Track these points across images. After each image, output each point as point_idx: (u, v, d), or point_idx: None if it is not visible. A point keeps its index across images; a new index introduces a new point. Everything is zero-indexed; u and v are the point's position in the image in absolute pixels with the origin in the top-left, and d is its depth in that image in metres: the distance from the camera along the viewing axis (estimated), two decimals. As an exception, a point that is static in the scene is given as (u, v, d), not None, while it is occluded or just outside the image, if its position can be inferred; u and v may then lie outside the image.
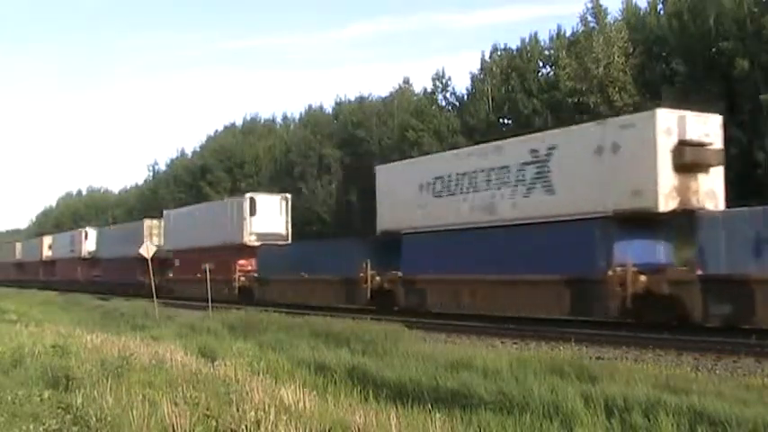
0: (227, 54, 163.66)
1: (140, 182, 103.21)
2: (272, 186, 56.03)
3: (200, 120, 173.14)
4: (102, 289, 47.88)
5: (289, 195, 37.19)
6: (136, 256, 41.03)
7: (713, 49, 36.92)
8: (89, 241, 56.73)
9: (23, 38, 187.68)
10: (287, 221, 35.96)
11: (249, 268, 35.00)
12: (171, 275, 41.84)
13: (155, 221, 46.04)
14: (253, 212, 35.03)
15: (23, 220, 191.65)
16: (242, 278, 34.87)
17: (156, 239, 42.23)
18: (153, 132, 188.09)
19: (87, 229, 60.60)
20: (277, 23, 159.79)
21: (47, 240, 69.13)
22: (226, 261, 34.90)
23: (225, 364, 11.01)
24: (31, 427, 6.67)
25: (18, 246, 79.52)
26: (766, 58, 34.05)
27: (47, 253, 66.93)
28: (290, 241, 35.40)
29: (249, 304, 29.79)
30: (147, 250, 28.22)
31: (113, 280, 47.48)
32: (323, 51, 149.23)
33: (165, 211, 46.07)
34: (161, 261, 39.80)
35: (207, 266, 31.24)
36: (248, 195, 36.13)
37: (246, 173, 71.79)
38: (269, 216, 35.49)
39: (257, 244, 34.51)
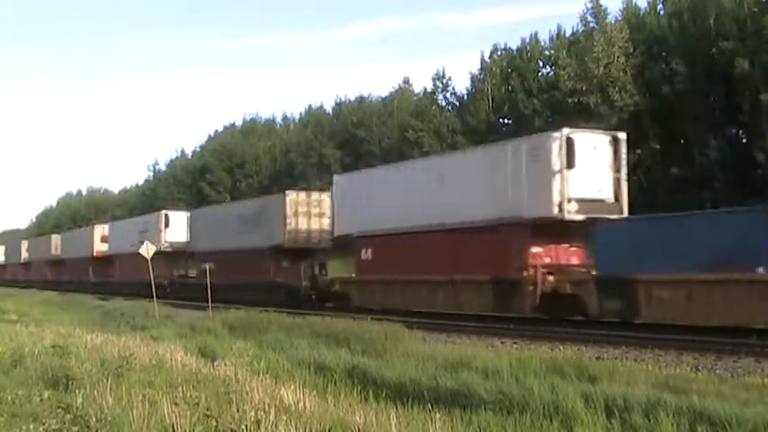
0: (227, 54, 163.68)
1: (140, 182, 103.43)
2: (272, 187, 55.65)
3: (200, 120, 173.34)
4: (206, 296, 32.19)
5: (623, 135, 21.05)
6: (269, 245, 31.69)
7: (713, 49, 36.93)
8: (173, 228, 41.95)
9: (23, 38, 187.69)
10: (620, 179, 20.36)
11: (548, 260, 20.24)
12: (354, 275, 27.24)
13: (301, 194, 32.16)
14: (571, 164, 19.45)
15: (23, 220, 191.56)
16: (548, 278, 19.83)
17: (303, 221, 31.00)
18: (153, 132, 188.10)
19: (169, 211, 45.20)
20: (277, 23, 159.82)
21: (99, 230, 54.19)
22: (500, 249, 20.42)
23: (225, 364, 11.00)
24: (31, 427, 6.67)
25: (55, 239, 64.69)
26: (766, 58, 34.05)
27: (100, 247, 52.53)
28: (625, 214, 20.44)
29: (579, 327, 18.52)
30: (148, 250, 27.21)
31: (224, 282, 32.09)
32: (323, 51, 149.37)
33: (336, 177, 30.39)
34: (310, 252, 31.33)
35: (207, 266, 30.22)
36: (564, 132, 19.88)
37: (247, 173, 71.86)
38: (593, 169, 20.01)
39: (580, 218, 19.65)
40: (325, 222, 30.60)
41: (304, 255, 31.27)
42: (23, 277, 71.41)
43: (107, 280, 48.85)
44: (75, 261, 57.31)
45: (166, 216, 43.14)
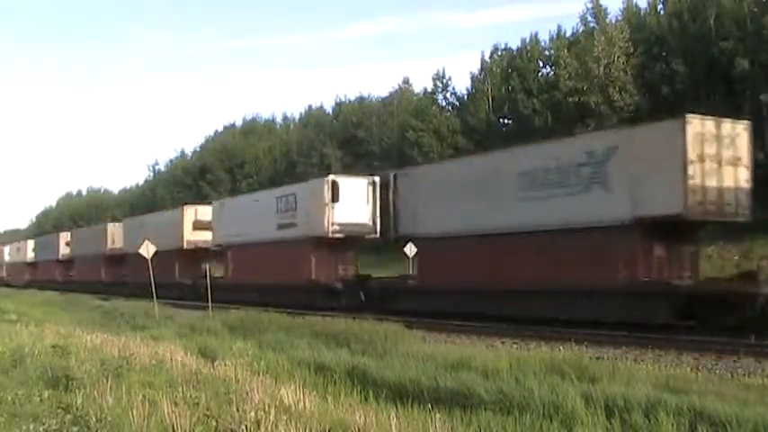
0: (227, 54, 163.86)
1: (140, 182, 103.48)
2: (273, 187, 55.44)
3: (200, 120, 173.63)
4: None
5: None
6: (635, 217, 17.64)
7: (713, 49, 36.95)
8: (344, 203, 28.10)
9: (24, 37, 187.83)
10: None
11: None
12: None
13: (708, 123, 17.59)
14: None
15: (23, 220, 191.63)
16: None
17: (711, 171, 17.25)
18: (153, 132, 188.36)
19: (339, 177, 29.48)
20: (277, 23, 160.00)
21: (191, 214, 39.84)
22: None
23: (225, 364, 10.99)
24: (31, 427, 6.66)
25: (113, 229, 51.10)
26: (766, 58, 34.06)
27: (191, 236, 38.99)
28: None
29: None
30: (148, 250, 26.04)
31: (492, 286, 21.42)
32: (323, 51, 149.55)
33: None
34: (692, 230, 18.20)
35: (207, 266, 29.45)
36: None
37: (247, 173, 71.83)
38: None
39: None
40: (742, 175, 17.90)
41: (695, 234, 18.85)
42: (62, 278, 59.51)
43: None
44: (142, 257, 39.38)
45: (334, 184, 28.30)
